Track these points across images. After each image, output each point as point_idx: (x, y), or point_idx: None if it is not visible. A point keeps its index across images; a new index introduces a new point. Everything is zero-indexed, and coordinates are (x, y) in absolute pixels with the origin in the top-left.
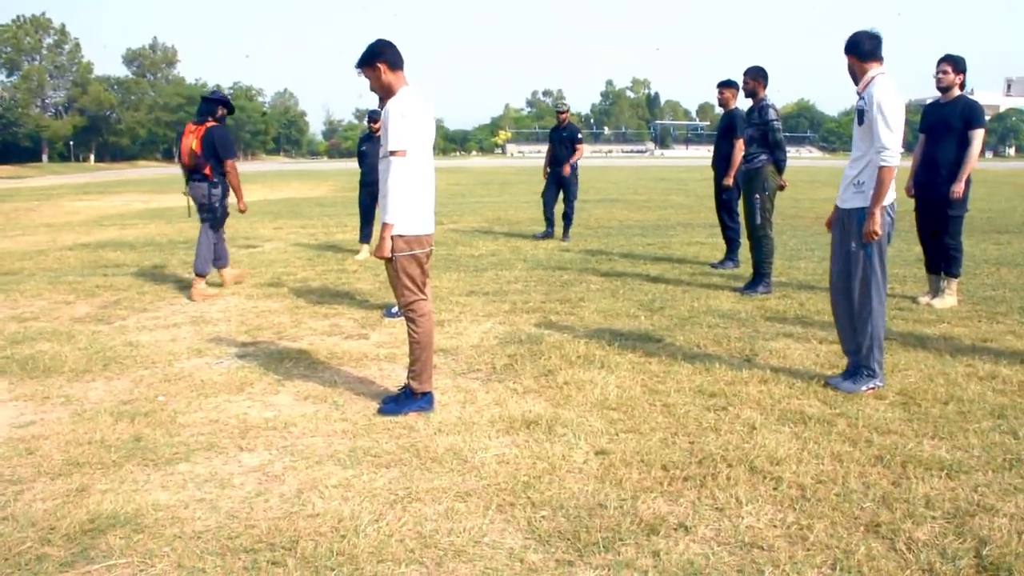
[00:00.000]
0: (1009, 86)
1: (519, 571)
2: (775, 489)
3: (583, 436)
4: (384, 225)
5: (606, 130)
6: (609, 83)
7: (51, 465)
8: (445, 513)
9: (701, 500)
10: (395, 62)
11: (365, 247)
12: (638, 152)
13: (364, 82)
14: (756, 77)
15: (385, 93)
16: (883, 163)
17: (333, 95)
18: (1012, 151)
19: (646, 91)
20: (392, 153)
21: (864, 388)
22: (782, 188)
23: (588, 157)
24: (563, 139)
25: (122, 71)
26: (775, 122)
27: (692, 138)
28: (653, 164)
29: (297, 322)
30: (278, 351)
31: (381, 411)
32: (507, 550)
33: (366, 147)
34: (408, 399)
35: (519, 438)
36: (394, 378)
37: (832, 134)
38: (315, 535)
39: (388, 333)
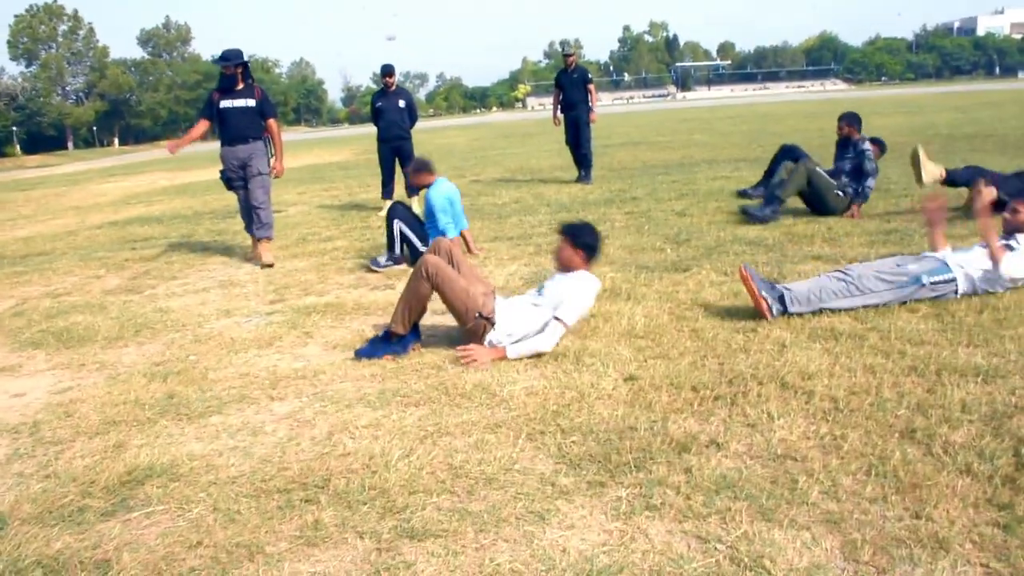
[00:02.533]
0: None
1: (550, 494)
2: (807, 403)
3: (611, 364)
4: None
5: (626, 76)
6: (627, 29)
7: (89, 425)
8: (475, 445)
9: (732, 418)
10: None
11: (388, 203)
12: (660, 96)
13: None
14: (851, 123)
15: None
16: None
17: (350, 61)
18: None
19: (664, 34)
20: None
21: (764, 294)
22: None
23: (609, 104)
24: (574, 82)
25: (138, 52)
26: (868, 151)
27: (714, 78)
28: (676, 107)
29: (323, 278)
30: (305, 306)
31: (357, 353)
32: (538, 475)
33: (381, 103)
34: (384, 341)
35: (547, 371)
36: (423, 321)
37: (857, 64)
38: (347, 472)
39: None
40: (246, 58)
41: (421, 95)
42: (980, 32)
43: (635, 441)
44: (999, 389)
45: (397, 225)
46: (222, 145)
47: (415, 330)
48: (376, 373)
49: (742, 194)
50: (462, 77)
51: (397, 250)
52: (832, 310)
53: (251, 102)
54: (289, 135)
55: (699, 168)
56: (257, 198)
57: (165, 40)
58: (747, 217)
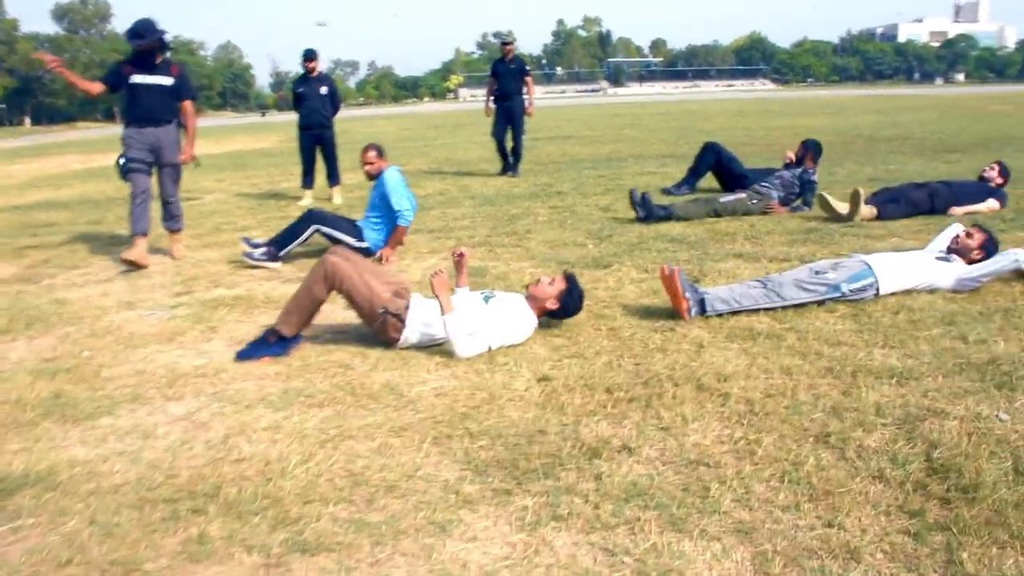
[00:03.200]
0: (957, 12)
1: (453, 503)
2: (722, 405)
3: (525, 364)
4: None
5: (559, 70)
6: (560, 22)
7: None
8: (378, 449)
9: (646, 421)
10: None
11: (308, 193)
12: (592, 91)
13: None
14: (815, 154)
15: None
16: None
17: (279, 46)
18: (961, 77)
19: (598, 29)
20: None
21: (687, 294)
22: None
23: (541, 97)
24: (512, 72)
25: (52, 28)
26: (815, 184)
27: (645, 75)
28: (607, 102)
29: (235, 270)
30: (213, 299)
31: (238, 355)
32: (442, 482)
33: (303, 88)
34: (265, 342)
35: (459, 370)
36: (332, 319)
37: (784, 65)
38: (240, 480)
39: None
40: (164, 33)
41: (351, 83)
42: (901, 39)
43: (545, 446)
44: (913, 391)
45: (314, 230)
46: (127, 126)
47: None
48: (280, 371)
49: (666, 192)
50: (394, 66)
51: (285, 251)
52: (751, 310)
53: (167, 80)
54: (214, 120)
55: (626, 163)
56: (168, 190)
57: (82, 16)
58: (632, 203)
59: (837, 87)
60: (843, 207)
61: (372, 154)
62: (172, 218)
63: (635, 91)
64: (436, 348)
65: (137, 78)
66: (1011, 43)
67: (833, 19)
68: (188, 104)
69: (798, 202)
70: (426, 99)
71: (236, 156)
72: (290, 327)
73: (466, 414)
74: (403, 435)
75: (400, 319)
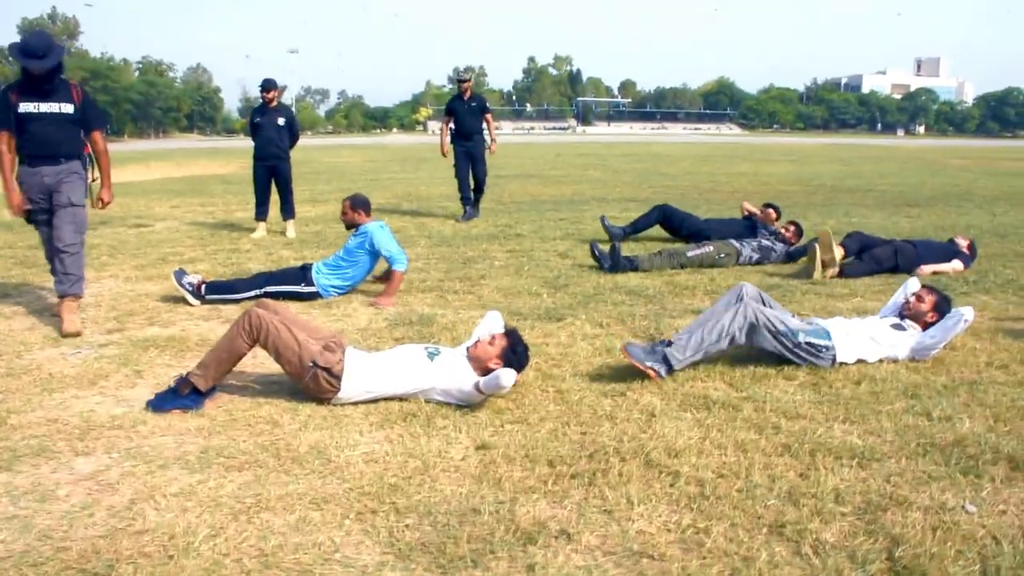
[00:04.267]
0: (919, 66)
1: None
2: (671, 486)
3: (465, 429)
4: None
5: (528, 107)
6: (531, 60)
7: None
8: (296, 524)
9: (588, 501)
10: None
11: (262, 225)
12: (560, 129)
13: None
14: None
15: None
16: None
17: (249, 71)
18: (922, 129)
19: (568, 68)
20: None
21: (650, 364)
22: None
23: (509, 134)
24: (471, 109)
25: None
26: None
27: (614, 115)
28: (574, 140)
29: (174, 307)
30: (144, 339)
31: (148, 404)
32: (360, 568)
33: (260, 119)
34: (176, 393)
35: (394, 432)
36: (268, 366)
37: (751, 111)
38: (138, 556)
39: None
40: (63, 50)
41: (321, 111)
42: (865, 89)
43: (477, 527)
44: (874, 475)
45: (258, 294)
46: (20, 163)
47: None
48: (203, 426)
49: (608, 229)
50: (364, 96)
51: (214, 297)
52: (708, 358)
53: (68, 107)
54: (179, 143)
55: (588, 206)
56: (64, 237)
57: (50, 32)
58: (593, 255)
59: (802, 134)
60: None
61: (347, 204)
62: (66, 278)
63: (603, 131)
64: (372, 406)
65: (27, 106)
66: (969, 98)
67: (799, 68)
68: (97, 135)
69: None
70: (395, 130)
71: (195, 181)
72: (205, 380)
73: (395, 485)
74: (325, 508)
75: (331, 374)
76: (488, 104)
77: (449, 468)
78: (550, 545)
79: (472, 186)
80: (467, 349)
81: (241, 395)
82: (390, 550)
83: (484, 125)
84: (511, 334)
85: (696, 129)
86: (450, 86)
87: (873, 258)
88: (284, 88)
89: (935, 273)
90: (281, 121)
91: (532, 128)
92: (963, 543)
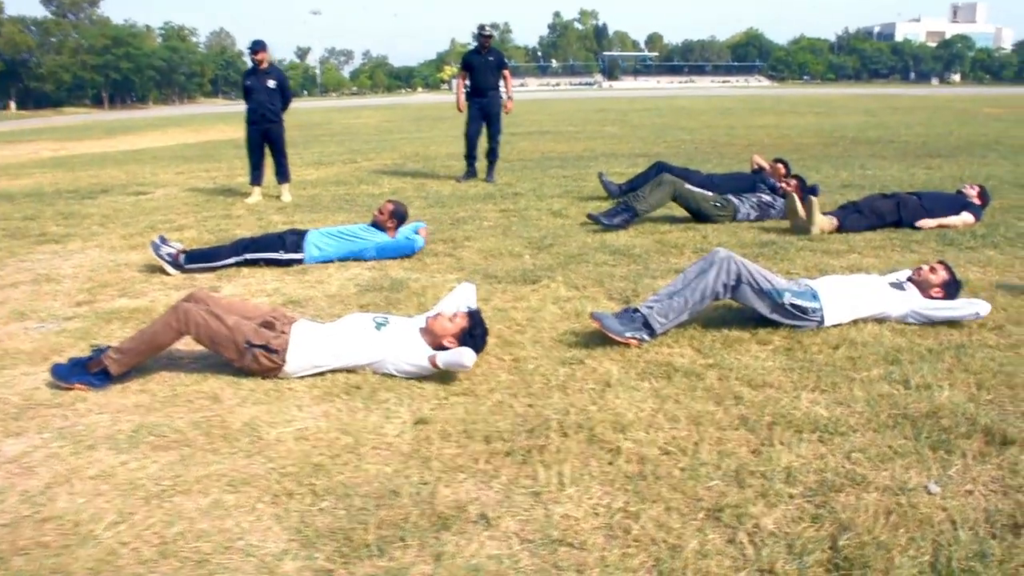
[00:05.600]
0: (955, 12)
1: None
2: (610, 464)
3: (408, 402)
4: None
5: (554, 63)
6: (557, 15)
7: None
8: (207, 508)
9: (518, 481)
10: None
11: (257, 190)
12: (586, 84)
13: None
14: (788, 169)
15: None
16: None
17: (272, 33)
18: (957, 78)
19: (594, 23)
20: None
21: (631, 334)
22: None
23: (534, 90)
24: (488, 65)
25: (39, 11)
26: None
27: (641, 69)
28: (599, 96)
29: (149, 277)
30: (111, 311)
31: (53, 369)
32: (259, 557)
33: (251, 81)
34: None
35: (333, 407)
36: None
37: (781, 62)
38: (35, 547)
39: (243, 284)
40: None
41: (345, 72)
42: (898, 38)
43: (393, 511)
44: (835, 451)
45: (238, 260)
46: None
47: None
48: (142, 403)
49: (605, 186)
50: (388, 56)
51: (193, 266)
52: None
53: None
54: (203, 108)
55: (596, 162)
56: None
57: (71, 0)
58: (593, 221)
59: (833, 85)
60: (825, 223)
61: (388, 208)
62: None
63: (629, 85)
64: (318, 379)
65: None
66: (1008, 45)
67: (830, 17)
68: None
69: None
70: (419, 89)
71: (208, 147)
72: (119, 366)
73: (320, 465)
74: (241, 490)
75: (269, 350)
76: (506, 60)
77: (380, 445)
78: (465, 531)
79: (486, 147)
80: (426, 319)
81: (189, 369)
82: (296, 537)
83: (502, 82)
84: (473, 315)
85: (724, 82)
86: (475, 43)
87: (874, 211)
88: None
89: (941, 227)
90: (272, 83)
91: (557, 84)
92: (917, 529)
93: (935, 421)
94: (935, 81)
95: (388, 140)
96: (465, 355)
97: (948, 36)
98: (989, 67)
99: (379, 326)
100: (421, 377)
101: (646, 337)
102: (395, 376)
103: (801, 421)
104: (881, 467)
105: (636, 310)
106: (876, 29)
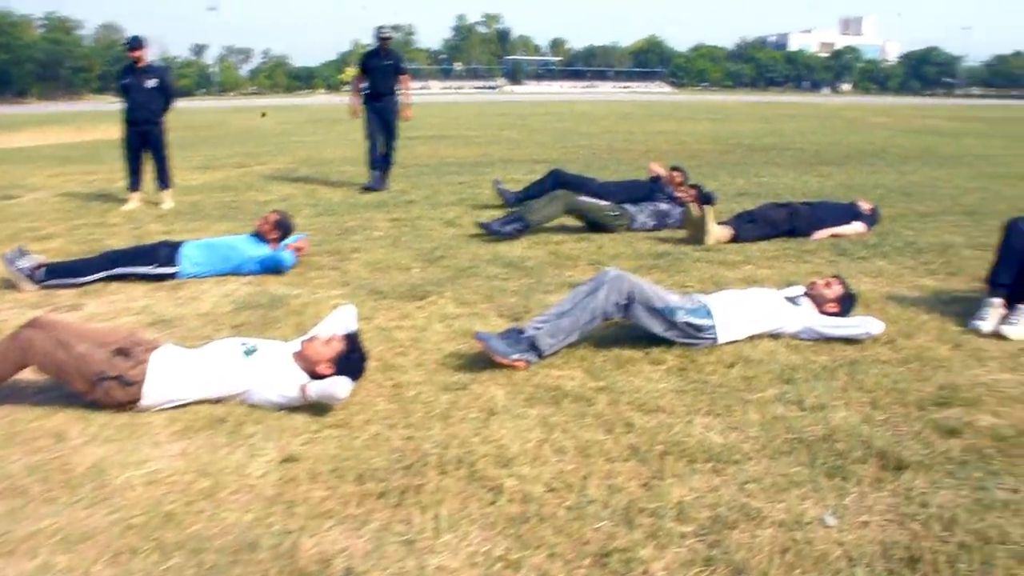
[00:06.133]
0: (845, 25)
1: None
2: (491, 504)
3: (276, 436)
4: None
5: (457, 66)
6: (461, 18)
7: None
8: (33, 572)
9: (391, 528)
10: None
11: (135, 196)
12: (489, 88)
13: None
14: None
15: None
16: None
17: (166, 29)
18: (847, 87)
19: (498, 26)
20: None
21: (516, 356)
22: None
23: (437, 93)
24: (386, 68)
25: None
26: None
27: (544, 74)
28: (501, 100)
29: (1, 294)
30: None
31: None
32: None
33: (128, 80)
34: None
35: (193, 444)
36: None
37: (680, 69)
38: None
39: (109, 302)
40: None
41: (244, 72)
42: (792, 48)
43: (249, 567)
44: (729, 482)
45: (104, 276)
46: None
47: None
48: None
49: (501, 193)
50: (289, 56)
51: (54, 282)
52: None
53: None
54: (90, 105)
55: (494, 168)
56: None
57: None
58: (485, 229)
59: (730, 92)
60: (720, 232)
61: (273, 219)
62: None
63: (532, 90)
64: (180, 411)
65: None
66: (892, 57)
67: (728, 26)
68: None
69: None
70: (321, 90)
71: (90, 147)
72: None
73: (171, 515)
74: (77, 549)
75: (124, 381)
76: (405, 64)
77: (242, 488)
78: None
79: (381, 152)
80: (300, 343)
81: (34, 402)
82: None
83: (399, 86)
84: (350, 338)
85: (626, 87)
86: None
87: (768, 221)
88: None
89: (834, 236)
90: (152, 83)
91: (460, 87)
92: (814, 568)
93: (830, 445)
94: (826, 90)
95: (283, 142)
96: (339, 386)
97: (838, 47)
98: (876, 77)
99: (248, 352)
100: (293, 408)
101: (533, 359)
102: (264, 407)
103: (694, 449)
104: (776, 498)
105: (523, 331)
106: (771, 38)
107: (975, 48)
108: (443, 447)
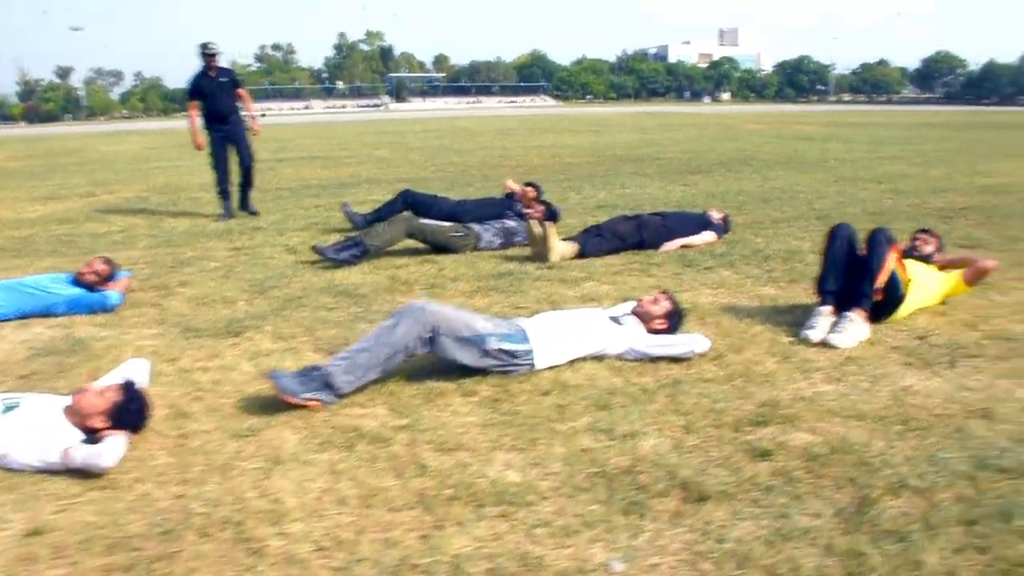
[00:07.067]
0: (722, 36)
1: None
2: (248, 571)
3: (28, 504)
4: None
5: (340, 84)
6: (342, 36)
7: None
8: None
9: None
10: None
11: None
12: (374, 106)
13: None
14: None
15: None
16: None
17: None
18: (727, 96)
19: (380, 44)
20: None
21: (308, 395)
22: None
23: (319, 112)
24: (222, 86)
25: None
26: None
27: (428, 90)
28: (385, 118)
29: None
30: None
31: None
32: None
33: None
34: None
35: None
36: None
37: (564, 82)
38: None
39: None
40: None
41: (115, 95)
42: (672, 59)
43: None
44: (516, 528)
45: None
46: None
47: None
48: None
49: (349, 217)
50: (163, 77)
51: None
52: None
53: None
54: None
55: (358, 189)
56: None
57: None
58: (320, 255)
59: (614, 104)
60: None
61: (101, 267)
62: None
63: (417, 107)
64: None
65: None
66: (768, 66)
67: (610, 40)
68: None
69: None
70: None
71: None
72: None
73: None
74: None
75: None
76: (240, 78)
77: None
78: None
79: (239, 178)
80: (72, 396)
81: None
82: None
83: (241, 104)
84: (127, 387)
85: (511, 102)
86: (257, 64)
87: (616, 234)
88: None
89: (684, 247)
90: None
91: (344, 106)
92: None
93: (633, 478)
94: (707, 99)
95: (143, 169)
96: (106, 453)
97: (716, 58)
98: (753, 86)
99: (7, 410)
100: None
101: (329, 399)
102: (25, 472)
103: (486, 492)
104: (564, 543)
105: (319, 368)
106: (652, 51)
107: (843, 57)
108: (213, 505)
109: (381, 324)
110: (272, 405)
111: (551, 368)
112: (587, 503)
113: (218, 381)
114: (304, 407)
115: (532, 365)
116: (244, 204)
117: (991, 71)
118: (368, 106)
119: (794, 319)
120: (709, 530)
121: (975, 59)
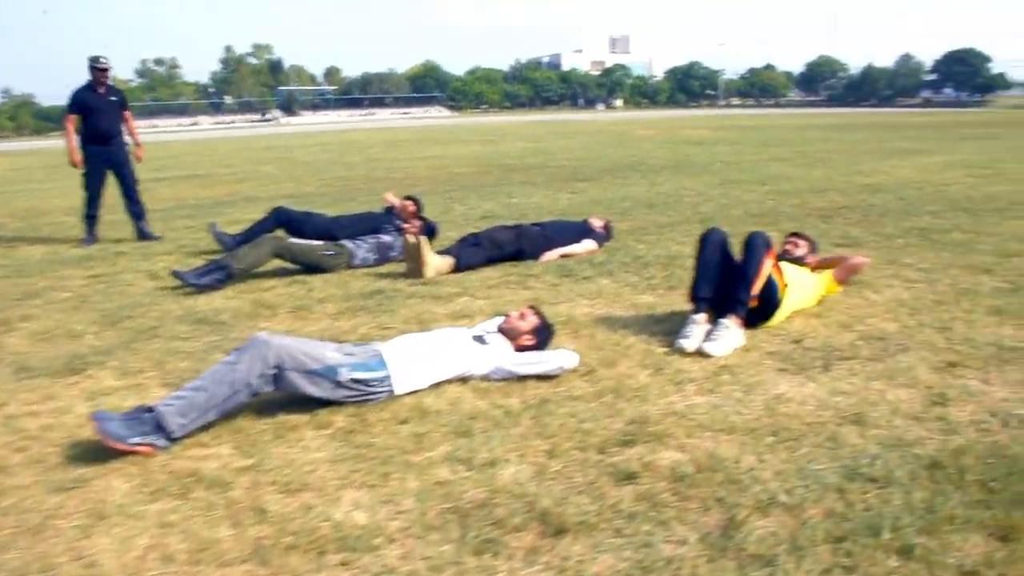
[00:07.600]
0: (613, 43)
1: None
2: None
3: None
4: None
5: (228, 99)
6: (228, 49)
7: None
8: None
9: None
10: None
11: None
12: (264, 121)
13: None
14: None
15: None
16: None
17: None
18: (620, 102)
19: (268, 57)
20: None
21: (137, 440)
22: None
23: (207, 129)
24: (111, 105)
25: None
26: None
27: (320, 103)
28: (274, 132)
29: None
30: None
31: None
32: None
33: None
34: None
35: None
36: None
37: (458, 92)
38: None
39: None
40: None
41: None
42: (565, 67)
43: None
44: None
45: None
46: None
47: None
48: None
49: (218, 238)
50: (35, 95)
51: None
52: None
53: None
54: None
55: (235, 208)
56: None
57: None
58: (179, 280)
59: (508, 113)
60: (440, 263)
61: None
62: None
63: (309, 120)
64: None
65: None
66: (659, 72)
67: (503, 49)
68: None
69: None
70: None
71: None
72: None
73: None
74: None
75: None
76: (127, 99)
77: None
78: None
79: (126, 208)
80: None
81: None
82: None
83: (125, 125)
84: None
85: (405, 114)
86: (138, 80)
87: (494, 243)
88: None
89: (564, 256)
90: None
91: (232, 122)
92: None
93: (488, 512)
94: (601, 106)
95: (3, 193)
96: None
97: (608, 65)
98: (646, 92)
99: None
100: None
101: (162, 443)
102: None
103: (328, 537)
104: None
105: (152, 409)
106: (545, 59)
107: (731, 62)
108: (22, 570)
109: (221, 360)
110: (105, 451)
111: (412, 393)
112: (437, 544)
113: (48, 427)
114: (134, 453)
115: (391, 391)
116: (142, 234)
117: (869, 74)
118: (259, 121)
119: (671, 327)
120: (567, 566)
121: (855, 63)
